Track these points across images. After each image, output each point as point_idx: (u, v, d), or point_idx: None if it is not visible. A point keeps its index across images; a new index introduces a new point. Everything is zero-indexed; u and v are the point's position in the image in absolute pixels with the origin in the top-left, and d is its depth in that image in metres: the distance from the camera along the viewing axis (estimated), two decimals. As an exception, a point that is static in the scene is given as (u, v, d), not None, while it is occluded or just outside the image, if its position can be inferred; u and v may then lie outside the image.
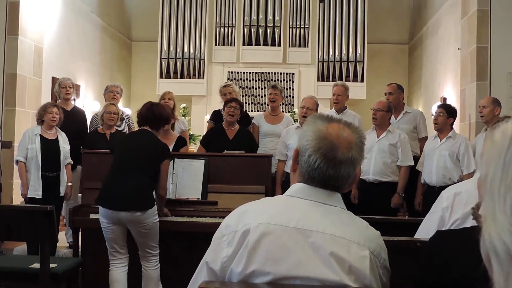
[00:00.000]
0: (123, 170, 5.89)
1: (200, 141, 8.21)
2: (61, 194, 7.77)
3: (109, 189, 5.86)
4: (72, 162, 7.99)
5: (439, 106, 7.78)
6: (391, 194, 7.49)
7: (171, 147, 7.44)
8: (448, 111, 7.40)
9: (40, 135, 7.66)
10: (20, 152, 7.66)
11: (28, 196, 7.55)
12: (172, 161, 6.58)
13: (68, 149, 7.87)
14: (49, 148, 7.67)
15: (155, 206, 5.88)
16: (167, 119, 6.43)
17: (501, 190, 1.15)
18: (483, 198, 1.21)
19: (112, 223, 5.81)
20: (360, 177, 7.55)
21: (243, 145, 7.48)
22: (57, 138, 7.79)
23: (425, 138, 8.25)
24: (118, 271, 5.94)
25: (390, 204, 7.47)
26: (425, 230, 3.45)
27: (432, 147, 7.47)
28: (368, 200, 7.49)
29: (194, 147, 11.73)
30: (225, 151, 7.23)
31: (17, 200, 9.29)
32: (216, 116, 8.53)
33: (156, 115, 6.21)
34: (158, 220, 5.93)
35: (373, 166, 7.51)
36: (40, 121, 7.75)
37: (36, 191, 7.54)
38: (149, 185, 5.90)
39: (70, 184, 7.93)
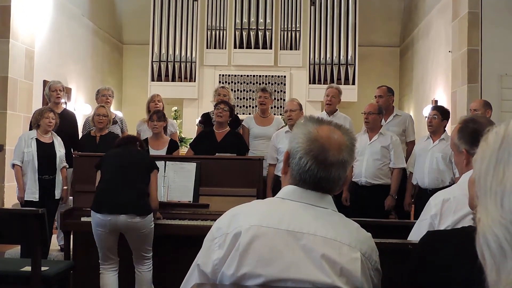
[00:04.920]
0: (120, 178, 5.92)
1: (190, 144, 8.21)
2: (57, 197, 7.79)
3: (107, 196, 5.86)
4: (68, 166, 8.00)
5: (433, 108, 7.77)
6: (383, 196, 7.49)
7: (164, 150, 7.50)
8: (442, 114, 7.39)
9: (36, 139, 7.68)
10: (16, 156, 7.69)
11: (25, 199, 7.58)
12: (164, 163, 6.60)
13: (63, 153, 7.91)
14: (45, 152, 7.69)
15: (152, 213, 5.91)
16: (142, 143, 6.68)
17: (493, 185, 1.19)
18: (478, 197, 1.24)
19: (107, 231, 5.81)
20: (352, 180, 7.56)
21: (230, 148, 7.49)
22: (52, 142, 7.82)
23: (413, 142, 8.28)
24: (109, 275, 5.95)
25: (383, 206, 7.47)
26: (415, 238, 3.44)
27: (424, 148, 7.45)
28: (361, 203, 7.49)
29: (185, 150, 11.72)
30: (216, 154, 7.24)
31: (9, 203, 9.27)
32: (206, 118, 8.54)
33: (131, 137, 6.61)
34: (153, 226, 5.95)
35: (365, 169, 7.50)
36: (36, 125, 7.76)
37: (33, 194, 7.58)
38: (146, 193, 5.95)
39: (65, 187, 7.94)
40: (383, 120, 7.89)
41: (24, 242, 6.46)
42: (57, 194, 7.81)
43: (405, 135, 8.33)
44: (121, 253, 6.02)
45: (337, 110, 8.53)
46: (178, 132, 9.69)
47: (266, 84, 14.98)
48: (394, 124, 8.26)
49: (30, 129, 8.05)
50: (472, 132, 3.35)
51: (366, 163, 7.50)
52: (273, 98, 8.96)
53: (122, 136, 6.70)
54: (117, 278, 6.00)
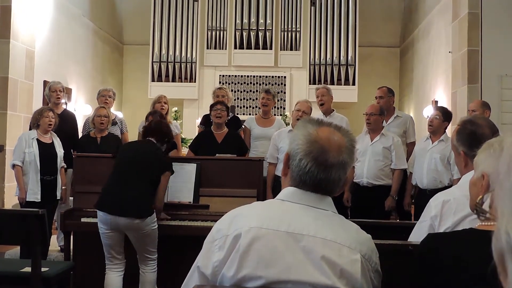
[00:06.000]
0: (125, 176, 5.90)
1: (189, 146, 8.19)
2: (58, 198, 7.78)
3: (109, 194, 5.86)
4: (66, 166, 7.99)
5: (436, 109, 7.81)
6: (384, 197, 7.48)
7: (161, 150, 7.45)
8: (444, 115, 7.39)
9: (37, 139, 7.66)
10: (17, 156, 7.64)
11: (27, 200, 7.54)
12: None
13: (62, 153, 7.88)
14: (47, 152, 7.67)
15: (154, 213, 5.90)
16: (171, 139, 6.57)
17: None
18: (496, 193, 1.15)
19: (110, 229, 5.80)
20: (354, 181, 7.57)
21: (232, 148, 7.47)
22: (52, 142, 7.80)
23: (413, 143, 8.27)
24: (114, 276, 5.93)
25: (384, 207, 7.47)
26: (416, 239, 3.43)
27: (423, 148, 7.46)
28: (362, 204, 7.49)
29: (185, 151, 11.72)
30: (217, 154, 7.23)
31: (9, 203, 9.27)
32: (207, 120, 8.52)
33: (164, 131, 6.38)
34: (156, 226, 5.94)
35: (366, 170, 7.50)
36: (36, 125, 7.74)
37: (35, 195, 7.55)
38: (150, 193, 5.91)
39: (64, 187, 7.93)
40: (384, 121, 7.90)
41: (24, 242, 6.45)
42: (58, 195, 7.81)
43: (405, 136, 8.33)
44: (126, 254, 6.02)
45: (333, 110, 8.54)
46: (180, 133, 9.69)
47: (266, 84, 15.01)
48: (395, 125, 8.26)
49: (30, 129, 8.02)
50: (470, 134, 3.36)
51: (368, 164, 7.50)
52: (275, 100, 8.94)
53: (155, 123, 6.54)
54: (122, 279, 5.98)
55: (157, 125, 6.41)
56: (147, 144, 6.21)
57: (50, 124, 7.72)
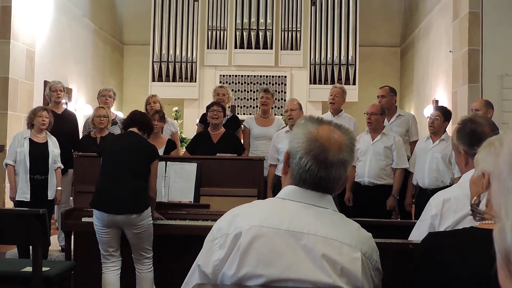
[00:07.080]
0: (116, 172, 5.89)
1: (185, 147, 8.18)
2: (49, 198, 7.74)
3: (103, 192, 5.86)
4: (62, 167, 7.97)
5: (436, 109, 7.80)
6: (386, 197, 7.47)
7: (161, 150, 7.44)
8: (444, 115, 7.38)
9: (29, 139, 7.66)
10: (10, 156, 7.67)
11: (16, 199, 7.55)
12: (164, 163, 6.59)
13: (57, 153, 7.86)
14: (37, 151, 7.65)
15: (150, 208, 5.90)
16: (152, 128, 6.63)
17: None
18: (497, 193, 1.12)
19: (106, 226, 5.81)
20: (355, 180, 7.57)
21: (228, 148, 7.47)
22: (46, 141, 7.78)
23: (416, 142, 8.26)
24: (111, 275, 5.93)
25: (385, 206, 7.46)
26: (416, 238, 3.43)
27: (424, 148, 7.45)
28: (363, 203, 7.49)
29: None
30: (217, 154, 7.23)
31: (10, 203, 9.26)
32: (205, 118, 8.53)
33: (145, 119, 6.40)
34: (152, 222, 5.94)
35: (368, 169, 7.49)
36: (30, 124, 7.74)
37: (24, 194, 7.54)
38: (142, 186, 5.91)
39: (59, 188, 7.90)
40: (386, 120, 7.90)
41: (25, 242, 6.45)
42: (50, 195, 7.77)
43: (408, 135, 8.32)
44: (122, 254, 6.02)
45: (342, 110, 8.57)
46: (179, 132, 9.67)
47: (266, 84, 15.00)
48: (397, 124, 8.25)
49: (29, 129, 8.04)
50: (470, 132, 3.36)
51: (369, 163, 7.50)
52: (275, 99, 8.95)
53: (133, 115, 6.50)
54: (119, 278, 5.98)
55: (136, 116, 6.41)
56: (130, 137, 6.19)
57: (44, 124, 7.70)
